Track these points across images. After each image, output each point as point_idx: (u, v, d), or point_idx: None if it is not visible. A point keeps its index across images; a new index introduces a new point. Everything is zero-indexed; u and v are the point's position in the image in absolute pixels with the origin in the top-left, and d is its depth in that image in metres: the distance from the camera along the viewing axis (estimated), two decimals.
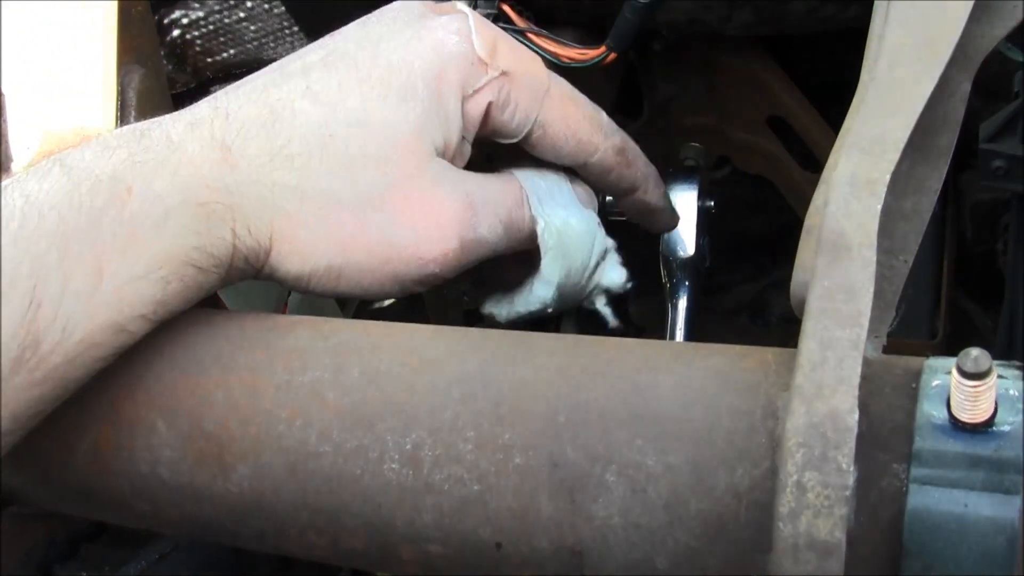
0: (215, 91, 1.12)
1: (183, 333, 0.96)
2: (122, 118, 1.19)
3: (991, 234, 1.76)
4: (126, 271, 0.89)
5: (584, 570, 0.81)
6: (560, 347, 0.87)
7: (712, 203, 1.53)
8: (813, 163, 1.75)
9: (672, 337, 1.49)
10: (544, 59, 1.41)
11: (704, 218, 1.51)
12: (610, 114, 1.68)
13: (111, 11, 1.20)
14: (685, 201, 1.49)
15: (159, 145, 0.94)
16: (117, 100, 1.18)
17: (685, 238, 1.49)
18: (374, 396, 0.87)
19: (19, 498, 1.05)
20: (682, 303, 1.49)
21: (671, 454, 0.78)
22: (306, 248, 1.00)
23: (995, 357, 1.62)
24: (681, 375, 0.81)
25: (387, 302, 2.28)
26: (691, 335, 1.50)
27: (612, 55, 1.37)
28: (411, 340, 0.91)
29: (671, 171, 1.53)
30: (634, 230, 1.67)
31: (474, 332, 0.92)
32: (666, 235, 1.49)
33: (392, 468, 0.85)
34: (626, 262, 1.78)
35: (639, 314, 1.98)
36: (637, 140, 1.73)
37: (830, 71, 1.71)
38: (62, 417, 0.94)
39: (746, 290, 1.98)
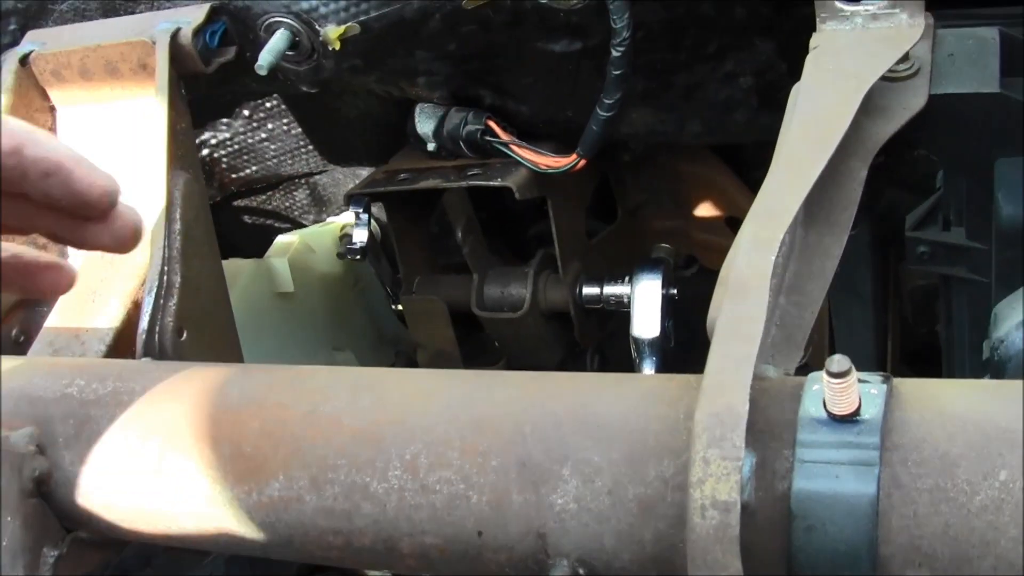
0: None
1: (224, 380, 1.18)
2: (169, 214, 1.42)
3: (930, 317, 1.97)
4: None
5: (548, 549, 1.01)
6: (526, 378, 1.09)
7: (675, 291, 1.76)
8: None
9: None
10: (525, 166, 1.65)
11: (668, 304, 1.73)
12: (586, 218, 1.93)
13: (161, 128, 1.44)
14: (650, 288, 1.72)
15: None
16: (167, 199, 1.41)
17: (651, 321, 1.71)
18: (381, 420, 1.08)
19: (84, 525, 1.25)
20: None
21: (613, 451, 0.99)
22: None
23: None
24: (621, 393, 1.03)
25: None
26: None
27: (582, 161, 1.61)
28: (408, 378, 1.13)
29: (639, 263, 1.76)
30: (610, 322, 1.89)
31: (459, 371, 1.14)
32: (635, 319, 1.71)
33: (395, 475, 1.05)
34: (609, 350, 2.00)
35: None
36: (612, 243, 1.97)
37: None
38: (125, 446, 1.15)
39: None
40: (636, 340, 1.72)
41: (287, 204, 2.20)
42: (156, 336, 1.38)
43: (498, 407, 1.05)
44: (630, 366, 1.78)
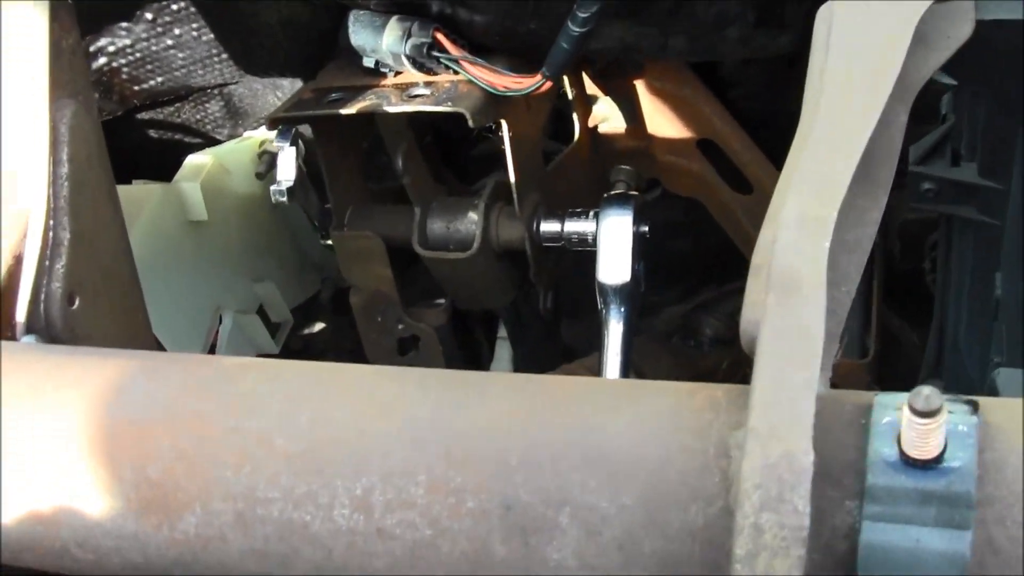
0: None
1: (125, 379, 0.95)
2: (54, 154, 1.17)
3: (919, 253, 1.78)
4: None
5: None
6: (509, 388, 0.87)
7: (646, 228, 1.54)
8: (743, 185, 1.77)
9: (606, 363, 1.49)
10: (478, 87, 1.41)
11: (639, 243, 1.52)
12: (541, 138, 1.70)
13: (41, 45, 1.18)
14: (620, 227, 1.50)
15: None
16: (50, 136, 1.16)
17: (620, 264, 1.49)
18: (323, 441, 0.86)
19: None
20: (616, 329, 1.49)
21: (624, 494, 0.78)
22: None
23: (924, 375, 1.63)
24: (632, 415, 0.81)
25: (316, 328, 2.27)
26: (627, 361, 1.50)
27: (547, 83, 1.38)
28: (360, 384, 0.91)
29: (606, 197, 1.53)
30: (566, 256, 1.68)
31: (422, 374, 0.91)
32: (601, 263, 1.49)
33: (343, 514, 0.84)
34: (556, 286, 1.79)
35: (569, 335, 1.99)
36: (569, 166, 1.74)
37: (761, 95, 1.73)
38: (4, 462, 0.92)
39: (676, 311, 1.99)
40: (603, 287, 1.50)
41: (198, 117, 1.94)
42: (42, 305, 1.14)
43: (476, 429, 0.84)
44: (588, 303, 1.57)
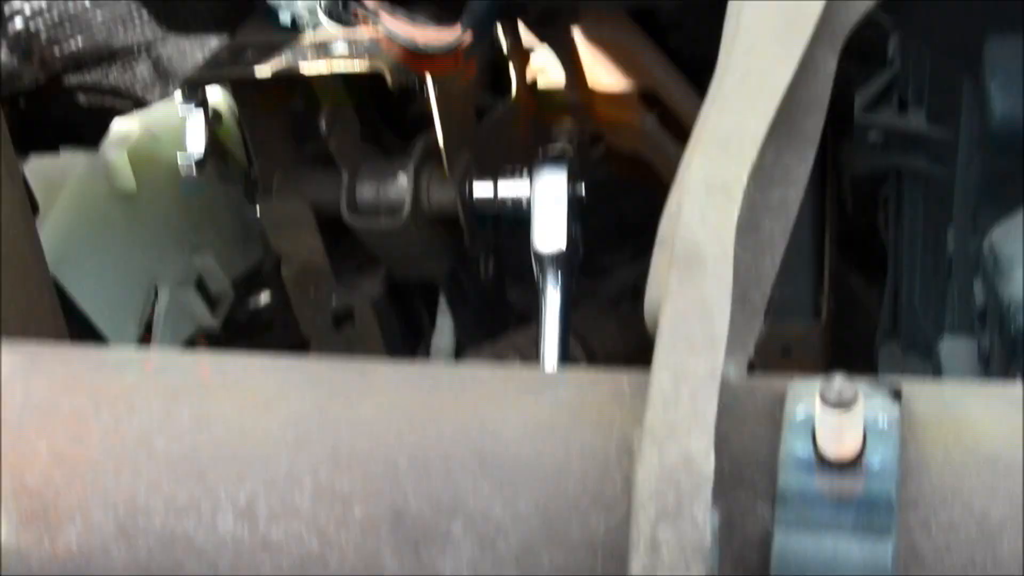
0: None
1: (3, 379, 0.88)
2: None
3: (872, 207, 1.72)
4: None
5: None
6: (402, 380, 0.80)
7: (583, 191, 1.47)
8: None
9: (544, 335, 1.43)
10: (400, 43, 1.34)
11: (575, 207, 1.45)
12: (478, 92, 1.63)
13: None
14: (553, 190, 1.43)
15: None
16: None
17: (556, 230, 1.43)
18: (205, 443, 0.80)
19: None
20: (554, 298, 1.43)
21: (520, 501, 0.72)
22: None
23: (880, 337, 1.57)
24: (530, 410, 0.75)
25: (263, 302, 2.19)
26: (566, 329, 1.44)
27: (467, 38, 1.30)
28: (244, 377, 0.84)
29: (539, 159, 1.47)
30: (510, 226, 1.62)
31: (312, 364, 0.85)
32: (536, 228, 1.43)
33: (227, 524, 0.78)
34: (503, 250, 1.73)
35: (521, 301, 1.93)
36: (506, 122, 1.67)
37: (704, 39, 1.65)
38: None
39: (627, 273, 1.93)
40: (539, 255, 1.43)
41: (127, 80, 1.87)
42: None
43: (364, 428, 0.77)
44: (531, 269, 1.50)
